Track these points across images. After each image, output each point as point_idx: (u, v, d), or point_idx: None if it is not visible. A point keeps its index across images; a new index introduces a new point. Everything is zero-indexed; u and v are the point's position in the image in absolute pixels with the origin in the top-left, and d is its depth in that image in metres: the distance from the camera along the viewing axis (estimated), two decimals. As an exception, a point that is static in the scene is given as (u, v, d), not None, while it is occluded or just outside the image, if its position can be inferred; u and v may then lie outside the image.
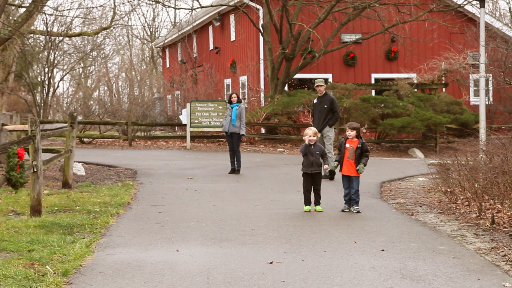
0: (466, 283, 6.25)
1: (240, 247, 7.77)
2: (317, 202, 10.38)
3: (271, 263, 6.95)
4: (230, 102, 15.95)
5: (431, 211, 10.67)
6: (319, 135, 10.12)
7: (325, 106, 14.86)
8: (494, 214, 9.44)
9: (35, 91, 34.45)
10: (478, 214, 9.86)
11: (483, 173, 10.67)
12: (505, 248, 7.67)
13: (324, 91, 15.08)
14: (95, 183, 14.00)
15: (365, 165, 10.44)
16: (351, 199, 10.46)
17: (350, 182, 10.49)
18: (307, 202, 10.40)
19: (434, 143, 23.99)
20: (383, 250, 7.65)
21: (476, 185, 10.51)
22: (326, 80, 17.98)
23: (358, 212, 10.30)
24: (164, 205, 10.94)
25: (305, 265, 6.89)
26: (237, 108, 15.77)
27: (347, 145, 10.52)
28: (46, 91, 34.39)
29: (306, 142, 10.48)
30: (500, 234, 8.59)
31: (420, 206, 11.15)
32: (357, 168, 10.37)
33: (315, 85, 15.22)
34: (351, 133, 10.53)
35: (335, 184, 13.59)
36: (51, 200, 11.13)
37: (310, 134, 10.47)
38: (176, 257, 7.22)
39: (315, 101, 15.33)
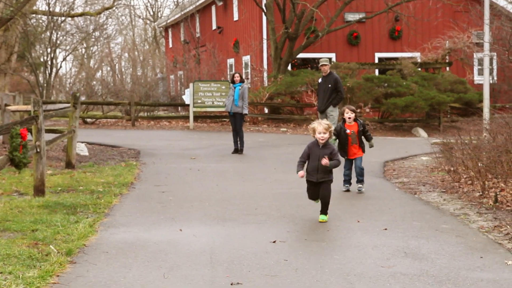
0: (468, 262, 6.26)
1: (243, 226, 7.78)
2: (323, 211, 8.07)
3: (274, 242, 6.97)
4: (233, 82, 15.90)
5: (434, 190, 10.67)
6: (332, 128, 7.93)
7: (329, 85, 14.84)
8: (497, 193, 9.43)
9: (37, 71, 34.38)
10: (481, 193, 9.85)
11: (487, 152, 10.65)
12: (508, 227, 7.67)
13: (328, 71, 15.05)
14: (98, 163, 14.01)
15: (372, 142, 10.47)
16: (356, 179, 10.26)
17: (352, 163, 10.33)
18: (322, 211, 8.13)
19: (438, 122, 23.94)
20: (386, 229, 7.65)
21: (479, 164, 10.50)
22: (330, 59, 17.89)
23: (361, 192, 10.16)
24: (167, 185, 10.95)
25: (308, 244, 6.90)
26: (240, 88, 15.72)
27: (348, 130, 10.16)
28: (49, 71, 34.34)
29: (316, 139, 8.00)
30: (503, 212, 8.59)
31: (423, 185, 11.15)
32: (370, 144, 10.33)
33: (320, 64, 15.16)
34: (351, 115, 10.14)
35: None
36: (55, 180, 11.15)
37: (320, 130, 7.85)
38: (179, 237, 7.24)
39: (319, 80, 15.31)
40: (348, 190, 10.31)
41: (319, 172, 7.90)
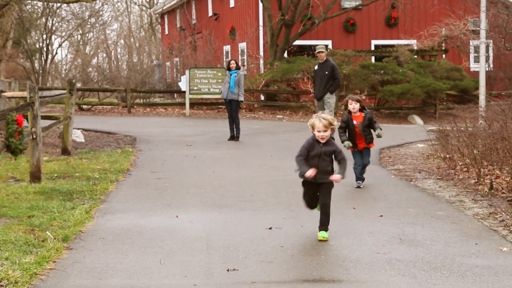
0: (464, 248, 6.29)
1: (240, 213, 7.80)
2: (323, 226, 6.68)
3: (270, 228, 6.99)
4: (229, 69, 15.88)
5: (429, 177, 10.69)
6: (335, 124, 6.71)
7: (326, 72, 14.83)
8: (493, 180, 9.46)
9: (33, 58, 34.26)
10: (476, 180, 9.88)
11: (482, 139, 10.68)
12: (503, 214, 7.71)
13: (325, 58, 15.04)
14: (95, 149, 14.01)
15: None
16: (362, 171, 9.67)
17: (362, 156, 9.67)
18: (321, 226, 6.75)
19: (434, 110, 23.96)
20: (381, 216, 7.68)
21: (475, 151, 10.53)
22: (326, 46, 17.89)
23: (359, 187, 9.57)
24: (163, 172, 10.95)
25: (304, 231, 6.92)
26: (236, 75, 15.70)
27: (354, 122, 9.50)
28: (45, 58, 34.21)
29: (316, 137, 6.76)
30: (498, 199, 8.62)
31: (419, 172, 11.18)
32: (377, 133, 9.48)
33: (316, 51, 15.14)
34: (355, 106, 9.48)
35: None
36: (51, 167, 11.14)
37: (320, 127, 6.65)
38: (175, 223, 7.26)
39: (316, 67, 15.28)
40: (359, 187, 9.61)
41: (319, 172, 6.67)
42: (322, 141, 6.68)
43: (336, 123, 6.58)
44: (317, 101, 15.10)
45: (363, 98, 23.51)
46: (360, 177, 9.67)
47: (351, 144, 9.41)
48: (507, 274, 5.48)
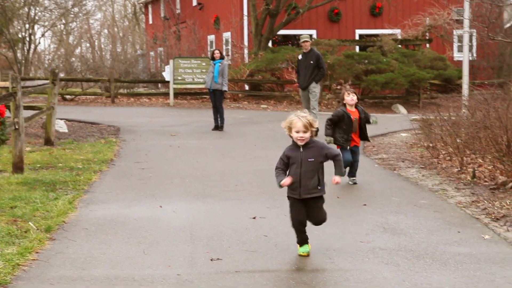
0: (446, 236, 6.33)
1: (224, 203, 7.80)
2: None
3: (254, 218, 6.99)
4: (213, 59, 15.84)
5: (413, 166, 10.74)
6: (315, 125, 5.66)
7: (311, 62, 14.80)
8: (475, 169, 9.52)
9: (15, 47, 33.97)
10: (459, 169, 9.94)
11: (465, 128, 10.74)
12: (485, 202, 7.76)
13: (309, 47, 15.02)
14: (78, 140, 13.93)
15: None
16: (352, 170, 9.08)
17: (353, 153, 9.02)
18: (302, 240, 5.81)
19: (417, 99, 24.05)
20: (365, 205, 7.71)
21: (458, 140, 10.59)
22: (310, 36, 17.83)
23: (355, 183, 9.05)
24: (147, 162, 10.92)
25: (287, 220, 6.88)
26: (220, 64, 15.67)
27: (351, 116, 8.87)
28: (27, 47, 33.94)
29: (294, 139, 5.70)
30: (480, 188, 8.68)
31: (403, 161, 11.22)
32: (373, 120, 9.12)
33: (301, 41, 15.12)
34: (354, 98, 8.80)
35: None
36: (33, 157, 11.07)
37: (299, 127, 5.59)
38: (159, 213, 7.24)
39: (299, 57, 15.25)
40: (355, 183, 9.06)
41: (304, 182, 5.59)
42: (301, 143, 5.58)
43: (317, 125, 5.59)
44: (302, 91, 15.09)
45: (347, 88, 23.75)
46: (350, 172, 9.12)
47: (333, 140, 8.78)
48: (488, 262, 5.52)
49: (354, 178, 9.09)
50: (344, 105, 8.89)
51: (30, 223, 6.60)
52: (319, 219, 5.78)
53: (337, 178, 5.78)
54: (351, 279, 5.07)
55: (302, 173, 5.60)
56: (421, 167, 10.57)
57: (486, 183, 8.88)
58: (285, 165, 5.71)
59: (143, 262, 5.52)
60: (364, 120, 8.98)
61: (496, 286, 4.94)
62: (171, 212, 7.30)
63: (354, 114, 8.86)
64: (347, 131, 8.86)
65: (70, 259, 5.59)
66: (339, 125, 8.84)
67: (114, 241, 6.12)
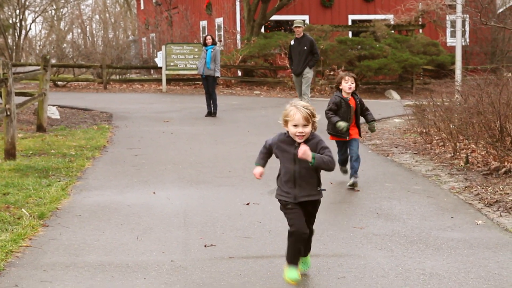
0: (439, 222, 6.35)
1: (217, 189, 7.79)
2: (306, 252, 4.94)
3: (247, 204, 6.99)
4: (205, 45, 15.78)
5: (406, 151, 10.76)
6: (317, 117, 4.65)
7: (305, 47, 14.70)
8: (468, 154, 9.54)
9: (6, 33, 33.74)
10: (452, 154, 9.96)
11: (458, 113, 10.75)
12: (478, 187, 7.78)
13: (302, 33, 14.94)
14: (70, 126, 13.88)
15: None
16: (351, 170, 7.93)
17: (347, 146, 8.02)
18: (297, 254, 4.78)
19: (411, 85, 24.05)
20: (358, 191, 7.71)
21: (451, 126, 10.60)
22: (303, 21, 17.75)
23: (354, 187, 7.79)
24: (140, 148, 10.89)
25: (281, 206, 6.92)
26: (212, 50, 15.60)
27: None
28: (18, 33, 33.72)
29: (290, 134, 4.67)
30: (473, 173, 8.70)
31: (396, 147, 11.23)
32: (370, 126, 7.97)
33: (294, 26, 15.04)
34: (352, 86, 7.74)
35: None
36: (26, 144, 11.02)
37: (298, 120, 4.57)
38: (153, 200, 7.23)
39: (292, 42, 15.15)
40: (346, 171, 8.23)
41: (298, 182, 4.62)
42: (300, 140, 4.57)
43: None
44: (296, 77, 15.00)
45: (346, 73, 23.58)
46: (345, 160, 8.18)
47: (347, 124, 7.72)
48: (481, 247, 5.54)
49: (355, 179, 7.78)
50: (340, 90, 7.79)
51: (23, 209, 6.57)
52: (311, 230, 4.80)
53: (304, 148, 4.48)
54: (344, 265, 5.08)
55: (297, 171, 4.62)
56: (414, 153, 10.58)
57: (479, 169, 8.90)
58: (268, 151, 4.83)
59: (137, 248, 5.51)
60: (359, 110, 7.89)
61: (489, 271, 4.96)
62: (165, 198, 7.29)
63: (350, 102, 7.83)
64: (345, 119, 7.76)
65: (63, 245, 5.57)
66: (336, 113, 7.79)
67: (107, 228, 6.11)
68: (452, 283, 4.70)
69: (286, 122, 4.63)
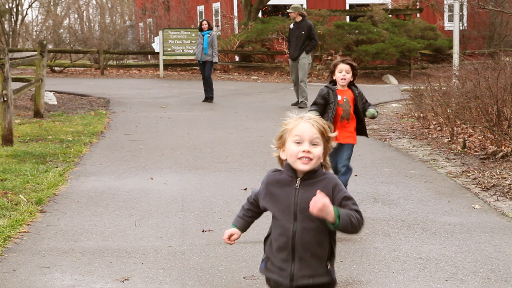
0: (437, 206, 6.36)
1: (215, 174, 7.79)
2: None
3: (245, 189, 6.99)
4: (201, 30, 15.70)
5: (404, 136, 10.76)
6: (332, 137, 2.94)
7: (303, 32, 14.52)
8: (466, 139, 9.55)
9: (2, 18, 33.58)
10: (450, 139, 9.97)
11: (456, 98, 10.74)
12: (476, 172, 7.80)
13: (300, 17, 14.65)
14: (67, 112, 13.86)
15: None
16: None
17: (338, 153, 6.19)
18: None
19: (408, 69, 24.02)
20: (356, 175, 7.72)
21: (448, 110, 10.60)
22: (301, 6, 17.60)
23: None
24: (137, 134, 10.88)
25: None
26: (209, 35, 15.50)
27: (339, 97, 6.16)
28: (14, 18, 33.57)
29: (292, 157, 2.93)
30: (471, 158, 8.71)
31: (393, 132, 11.24)
32: (369, 113, 6.22)
33: (287, 11, 14.86)
34: (347, 76, 6.11)
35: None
36: (23, 130, 11.01)
37: (308, 135, 2.90)
38: (150, 185, 7.23)
39: (291, 26, 14.92)
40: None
41: (300, 253, 2.94)
42: (305, 167, 2.90)
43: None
44: (292, 61, 14.83)
45: (341, 59, 23.51)
46: None
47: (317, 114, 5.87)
48: (478, 231, 5.56)
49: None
50: (334, 81, 6.21)
51: (20, 195, 6.58)
52: None
53: (321, 198, 2.80)
54: (342, 249, 5.09)
55: (298, 234, 2.94)
56: (411, 138, 10.59)
57: (476, 153, 8.91)
58: (255, 203, 3.17)
59: (135, 234, 5.52)
60: (358, 105, 6.22)
61: (486, 255, 4.98)
62: (162, 184, 7.29)
63: (344, 94, 6.18)
64: (330, 116, 6.10)
65: (61, 231, 5.58)
66: (325, 110, 6.15)
67: (105, 213, 6.12)
68: (449, 267, 4.72)
69: (282, 143, 2.99)
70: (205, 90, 15.81)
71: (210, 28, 15.67)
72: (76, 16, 41.12)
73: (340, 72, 6.15)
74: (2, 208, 6.12)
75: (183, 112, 13.87)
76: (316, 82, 21.71)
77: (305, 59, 14.56)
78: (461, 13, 23.25)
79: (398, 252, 5.04)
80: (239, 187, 7.09)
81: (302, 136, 2.91)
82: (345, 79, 6.14)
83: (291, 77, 15.16)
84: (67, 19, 42.92)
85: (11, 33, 33.15)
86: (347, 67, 6.14)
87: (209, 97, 15.72)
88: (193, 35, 23.11)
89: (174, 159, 8.74)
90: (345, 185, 6.08)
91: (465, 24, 27.56)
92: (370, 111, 6.27)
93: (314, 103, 6.21)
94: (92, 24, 36.83)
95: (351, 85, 6.26)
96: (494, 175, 7.54)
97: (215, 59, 15.65)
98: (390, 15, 25.38)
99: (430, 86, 11.78)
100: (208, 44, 15.43)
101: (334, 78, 6.20)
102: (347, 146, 6.20)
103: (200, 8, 30.99)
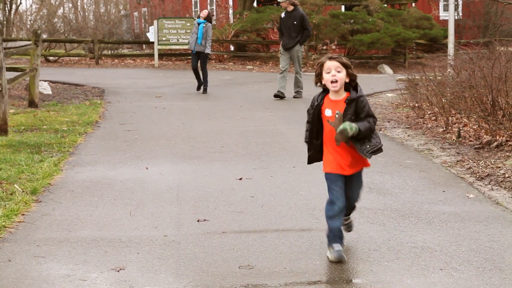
0: (431, 195, 6.38)
1: (210, 164, 7.79)
2: None
3: (240, 179, 7.00)
4: (198, 17, 15.55)
5: (399, 126, 10.77)
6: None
7: (295, 22, 14.37)
8: (460, 128, 9.57)
9: (-4, 8, 33.39)
10: (444, 129, 9.98)
11: (451, 87, 10.76)
12: (470, 161, 7.82)
13: (291, 7, 14.50)
14: (62, 102, 13.82)
15: (361, 131, 4.47)
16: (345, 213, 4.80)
17: (345, 187, 4.72)
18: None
19: (403, 59, 24.02)
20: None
21: (443, 100, 10.61)
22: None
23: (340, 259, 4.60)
24: (132, 124, 10.87)
25: (274, 181, 6.95)
26: (204, 26, 15.36)
27: (328, 112, 4.56)
28: (8, 8, 33.39)
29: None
30: (465, 147, 8.73)
31: (388, 122, 11.25)
32: (341, 128, 4.43)
33: (279, 0, 14.70)
34: (339, 76, 4.48)
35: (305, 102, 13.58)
36: (18, 119, 10.98)
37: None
38: (145, 175, 7.23)
39: (282, 15, 14.71)
40: (340, 239, 4.70)
41: None
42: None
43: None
44: (284, 50, 14.40)
45: (333, 48, 23.65)
46: (338, 234, 4.64)
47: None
48: (472, 220, 5.58)
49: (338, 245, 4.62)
50: (325, 90, 4.61)
51: (15, 185, 6.57)
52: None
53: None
54: (337, 239, 5.10)
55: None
56: (406, 127, 10.60)
57: (471, 143, 8.93)
58: None
59: (130, 223, 5.52)
60: (353, 116, 4.52)
61: (480, 244, 5.00)
62: (158, 173, 7.29)
63: (336, 106, 4.55)
64: (325, 141, 4.66)
65: (56, 221, 5.58)
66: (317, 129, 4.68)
67: (100, 203, 6.12)
68: (443, 256, 4.74)
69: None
70: (196, 78, 15.53)
71: (208, 19, 15.46)
72: (70, 5, 40.92)
73: (328, 73, 4.51)
74: (-3, 198, 6.12)
75: (178, 102, 13.85)
76: (311, 71, 21.69)
77: (299, 51, 14.41)
78: (456, 3, 23.24)
79: (393, 242, 5.06)
80: (234, 176, 7.10)
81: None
82: (336, 82, 4.49)
83: (280, 64, 14.54)
84: (61, 8, 42.70)
85: (5, 22, 32.98)
86: (336, 63, 4.51)
87: (204, 88, 15.49)
88: (188, 24, 23.06)
89: (169, 149, 8.74)
90: (354, 207, 4.95)
91: (460, 14, 27.56)
92: (347, 129, 4.43)
93: (308, 122, 4.68)
94: (86, 14, 36.67)
95: (349, 88, 4.58)
96: (488, 165, 7.57)
97: (208, 50, 15.35)
98: (385, 5, 25.35)
99: (425, 75, 11.79)
100: (202, 34, 15.28)
101: (323, 82, 4.59)
102: (358, 176, 4.76)
103: (195, -3, 30.88)
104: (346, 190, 4.71)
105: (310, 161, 4.87)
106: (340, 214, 4.65)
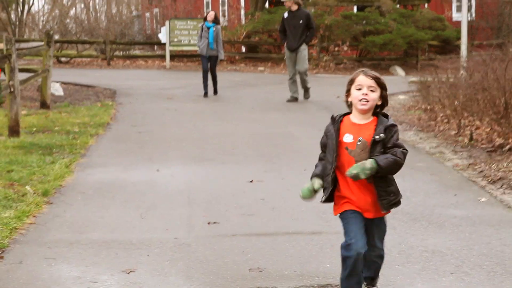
0: (443, 199, 6.35)
1: (221, 166, 7.79)
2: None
3: (251, 181, 7.00)
4: (205, 20, 15.19)
5: (410, 128, 10.73)
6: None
7: (300, 21, 14.12)
8: (473, 131, 9.51)
9: (9, 8, 33.59)
10: (457, 131, 9.93)
11: (463, 90, 10.70)
12: (482, 164, 7.77)
13: (296, 6, 14.29)
14: (74, 103, 13.87)
15: (382, 167, 3.83)
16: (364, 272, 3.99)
17: (369, 230, 3.89)
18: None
19: (416, 60, 23.92)
20: None
21: (456, 102, 10.56)
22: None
23: None
24: (144, 125, 10.89)
25: (284, 183, 6.94)
26: (214, 29, 14.98)
27: (348, 138, 3.78)
28: (21, 8, 33.57)
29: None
30: (478, 150, 8.68)
31: (400, 124, 11.20)
32: (352, 174, 3.70)
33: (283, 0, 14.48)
34: (370, 95, 3.75)
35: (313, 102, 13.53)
36: (29, 121, 11.03)
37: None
38: (157, 177, 7.24)
39: (285, 15, 14.45)
40: None
41: None
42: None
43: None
44: (290, 53, 14.08)
45: (345, 49, 23.59)
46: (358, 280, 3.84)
47: (317, 188, 3.94)
48: (484, 224, 5.55)
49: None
50: (350, 106, 3.87)
51: (27, 187, 6.59)
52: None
53: None
54: (348, 242, 5.09)
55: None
56: (418, 130, 10.56)
57: (484, 146, 8.88)
58: None
59: (141, 226, 5.53)
60: (380, 148, 3.82)
61: (491, 248, 4.97)
62: (169, 176, 7.30)
63: (361, 131, 3.78)
64: (329, 168, 3.84)
65: (67, 222, 5.60)
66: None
67: (111, 205, 6.13)
68: (454, 260, 4.72)
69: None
70: (204, 85, 14.92)
71: (216, 21, 15.20)
72: (82, 6, 41.09)
73: (359, 89, 3.76)
74: (8, 200, 6.14)
75: (190, 103, 13.86)
76: (322, 73, 21.67)
77: (305, 51, 14.10)
78: (469, 4, 23.14)
79: (403, 245, 5.03)
80: (245, 179, 7.09)
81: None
82: (367, 101, 3.72)
83: (288, 69, 14.24)
84: (74, 9, 42.90)
85: (17, 23, 33.16)
86: (371, 81, 3.76)
87: (214, 90, 15.28)
88: (200, 25, 23.05)
89: (181, 151, 8.75)
90: (382, 255, 4.01)
91: (473, 15, 27.41)
92: (357, 173, 3.68)
93: (320, 159, 3.96)
94: (98, 14, 36.81)
95: (378, 113, 3.81)
96: (501, 168, 7.52)
97: (221, 56, 14.99)
98: (398, 6, 25.26)
99: (438, 77, 11.73)
100: (213, 38, 14.82)
101: (349, 100, 3.82)
102: (379, 223, 3.94)
103: (207, -2, 30.92)
104: (363, 234, 3.77)
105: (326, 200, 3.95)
106: (356, 256, 3.69)
